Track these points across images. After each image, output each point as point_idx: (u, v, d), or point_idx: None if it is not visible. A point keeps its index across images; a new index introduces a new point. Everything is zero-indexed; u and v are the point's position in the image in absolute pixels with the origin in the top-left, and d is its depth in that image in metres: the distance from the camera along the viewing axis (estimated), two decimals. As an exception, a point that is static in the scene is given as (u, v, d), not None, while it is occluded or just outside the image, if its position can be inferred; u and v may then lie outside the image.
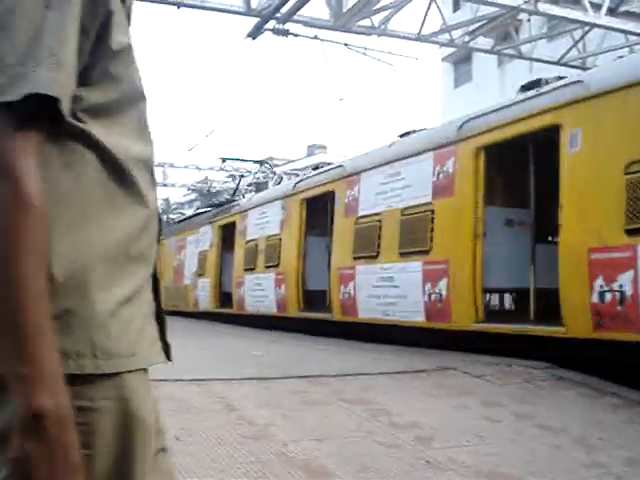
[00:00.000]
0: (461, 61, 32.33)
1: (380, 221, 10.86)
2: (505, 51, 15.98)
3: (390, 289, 10.42)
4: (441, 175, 9.59)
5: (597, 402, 6.05)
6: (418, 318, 9.79)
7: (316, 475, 3.81)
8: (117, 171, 1.11)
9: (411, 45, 14.89)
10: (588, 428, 5.10)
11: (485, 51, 16.13)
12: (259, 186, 23.05)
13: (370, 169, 11.43)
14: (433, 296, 9.47)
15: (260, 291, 15.03)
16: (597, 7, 13.79)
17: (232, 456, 4.01)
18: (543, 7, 13.20)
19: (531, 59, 16.42)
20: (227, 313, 17.40)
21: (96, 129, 1.09)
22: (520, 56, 16.26)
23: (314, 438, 4.49)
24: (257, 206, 16.06)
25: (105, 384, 1.02)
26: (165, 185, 40.22)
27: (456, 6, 27.78)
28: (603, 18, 13.82)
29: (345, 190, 12.09)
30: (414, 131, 11.53)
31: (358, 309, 11.25)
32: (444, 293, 9.26)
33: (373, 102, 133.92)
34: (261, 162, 28.04)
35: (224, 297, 17.82)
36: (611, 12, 14.04)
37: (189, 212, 58.36)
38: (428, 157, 9.92)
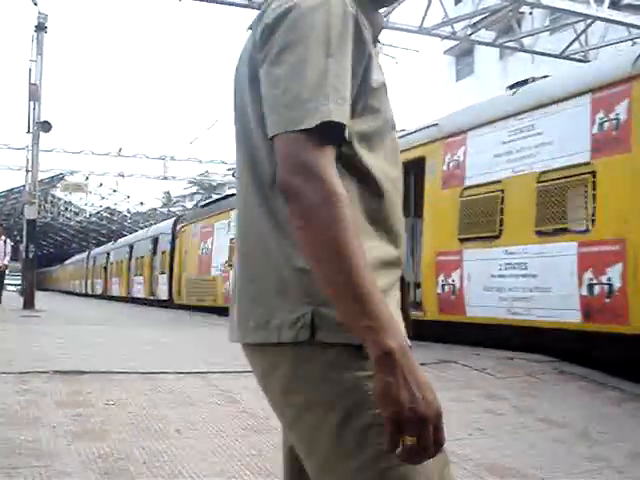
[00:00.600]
0: (463, 54, 32.27)
1: (503, 191, 8.58)
2: (507, 44, 15.95)
3: (522, 280, 8.10)
4: (606, 124, 7.18)
5: (599, 396, 6.05)
6: (570, 318, 7.39)
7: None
8: (375, 190, 1.37)
9: (413, 38, 14.80)
10: (590, 422, 5.10)
11: (487, 44, 16.09)
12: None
13: (482, 125, 9.07)
14: (597, 288, 7.04)
15: None
16: (600, 0, 13.76)
17: (233, 448, 4.00)
18: (545, 0, 13.17)
19: (533, 52, 16.39)
20: None
21: (363, 153, 1.35)
22: (522, 49, 16.22)
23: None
24: None
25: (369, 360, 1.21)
26: (166, 178, 40.17)
27: (458, -1, 27.72)
28: (605, 11, 13.81)
29: (442, 155, 9.67)
30: (533, 79, 9.11)
31: (466, 305, 9.01)
32: (617, 285, 6.83)
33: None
34: None
35: None
36: (614, 5, 14.08)
37: (190, 205, 58.16)
38: (583, 102, 7.47)
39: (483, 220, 8.82)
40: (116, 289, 34.53)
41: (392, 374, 1.16)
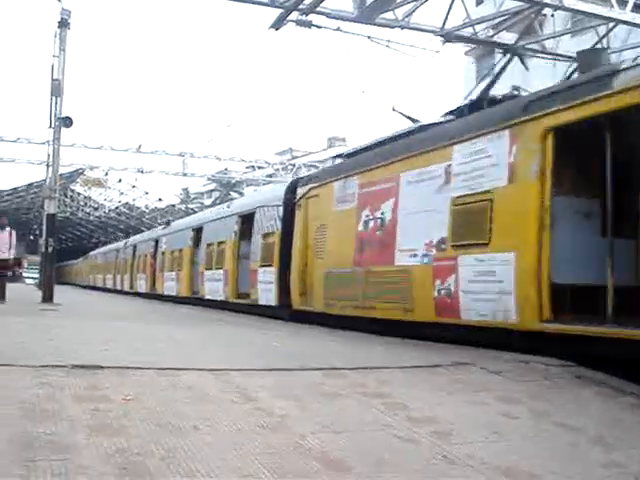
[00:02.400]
0: (484, 55, 32.12)
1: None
2: (528, 46, 15.86)
3: None
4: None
5: (615, 401, 6.02)
6: None
7: (333, 467, 3.82)
8: None
9: (434, 38, 14.75)
10: (606, 427, 5.08)
11: (509, 46, 15.99)
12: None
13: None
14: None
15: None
16: (623, 3, 13.65)
17: (249, 446, 4.02)
18: (568, 2, 13.08)
19: (554, 54, 16.29)
20: None
21: None
22: (544, 51, 16.13)
23: (331, 430, 4.50)
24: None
25: None
26: (185, 175, 40.32)
27: (479, 0, 27.61)
28: (629, 14, 13.68)
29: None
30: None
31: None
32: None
33: (394, 95, 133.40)
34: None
35: None
36: (637, 8, 13.89)
37: (208, 202, 58.31)
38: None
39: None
40: (171, 287, 26.63)
41: None
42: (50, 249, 19.32)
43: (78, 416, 4.36)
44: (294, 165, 44.41)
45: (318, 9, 12.54)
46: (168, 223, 31.57)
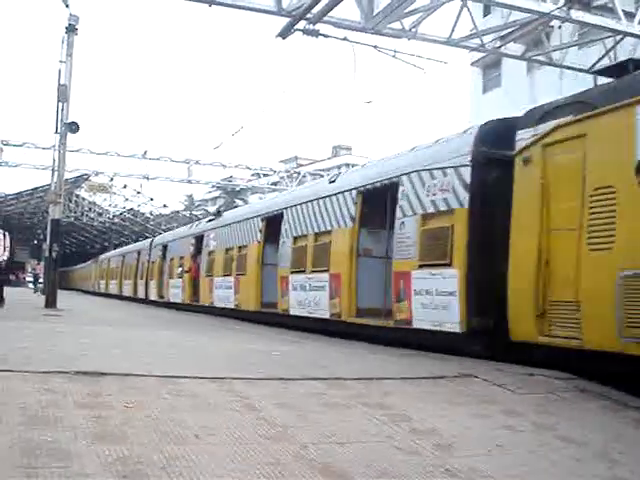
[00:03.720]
0: (490, 66, 32.19)
1: None
2: (535, 57, 15.88)
3: None
4: None
5: (619, 415, 5.98)
6: None
7: (335, 478, 3.80)
8: None
9: (440, 49, 14.76)
10: (610, 442, 5.05)
11: (515, 57, 16.03)
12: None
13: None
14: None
15: None
16: (630, 15, 13.67)
17: (251, 456, 4.00)
18: (575, 14, 13.12)
19: (561, 66, 16.30)
20: None
21: None
22: (550, 63, 16.15)
23: (334, 441, 4.48)
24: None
25: None
26: (190, 182, 40.40)
27: (486, 11, 27.65)
28: (636, 26, 13.70)
29: None
30: None
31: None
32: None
33: (400, 105, 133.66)
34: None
35: None
36: (645, 21, 13.89)
37: (212, 209, 58.36)
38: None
39: None
40: (225, 296, 20.23)
41: None
42: (54, 254, 19.32)
43: (80, 423, 4.35)
44: (299, 173, 44.48)
45: (325, 18, 12.56)
46: (219, 213, 24.74)
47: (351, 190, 13.24)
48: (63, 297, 21.48)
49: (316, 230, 14.32)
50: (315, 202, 14.64)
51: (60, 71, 19.40)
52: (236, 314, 19.16)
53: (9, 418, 4.34)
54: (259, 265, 17.38)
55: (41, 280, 40.96)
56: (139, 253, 35.21)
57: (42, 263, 45.09)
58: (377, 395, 6.11)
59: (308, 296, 14.28)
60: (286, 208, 16.11)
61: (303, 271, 14.54)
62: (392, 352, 10.04)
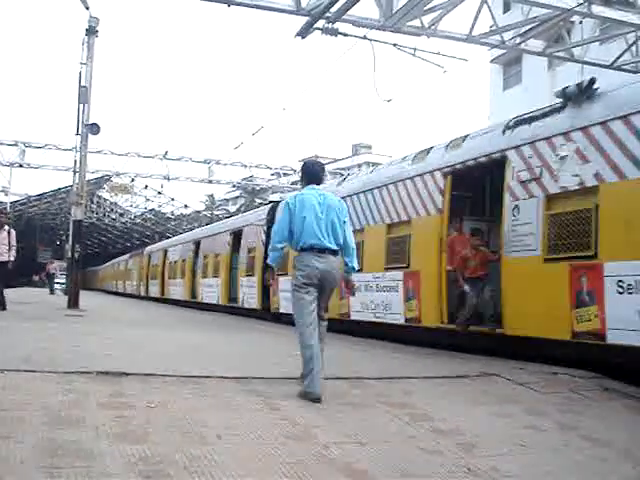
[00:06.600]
0: (511, 63, 31.99)
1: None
2: (556, 54, 15.73)
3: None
4: None
5: (644, 414, 5.93)
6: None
7: (357, 478, 3.78)
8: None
9: (460, 46, 14.69)
10: (634, 441, 5.00)
11: (536, 53, 15.89)
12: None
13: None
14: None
15: None
16: (652, 10, 13.52)
17: (273, 456, 4.00)
18: (596, 9, 12.99)
19: (583, 62, 16.13)
20: None
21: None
22: (572, 59, 15.99)
23: (356, 441, 4.47)
24: None
25: None
26: (210, 182, 40.46)
27: (506, 7, 27.48)
28: (658, 22, 13.54)
29: None
30: None
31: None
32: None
33: (420, 103, 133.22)
34: None
35: None
36: (667, 16, 13.74)
37: (233, 209, 58.47)
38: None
39: None
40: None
41: None
42: (77, 255, 19.42)
43: (102, 423, 4.36)
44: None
45: (344, 17, 12.51)
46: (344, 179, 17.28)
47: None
48: (87, 297, 21.59)
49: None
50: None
51: (81, 73, 19.51)
52: (339, 326, 12.47)
53: (33, 418, 4.36)
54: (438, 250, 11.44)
55: (57, 280, 41.20)
56: (186, 246, 27.86)
57: (56, 262, 45.31)
58: (398, 394, 6.09)
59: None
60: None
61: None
62: (414, 351, 10.01)
